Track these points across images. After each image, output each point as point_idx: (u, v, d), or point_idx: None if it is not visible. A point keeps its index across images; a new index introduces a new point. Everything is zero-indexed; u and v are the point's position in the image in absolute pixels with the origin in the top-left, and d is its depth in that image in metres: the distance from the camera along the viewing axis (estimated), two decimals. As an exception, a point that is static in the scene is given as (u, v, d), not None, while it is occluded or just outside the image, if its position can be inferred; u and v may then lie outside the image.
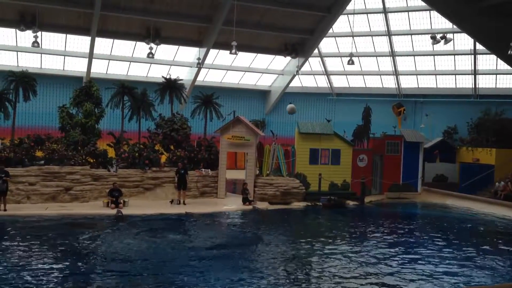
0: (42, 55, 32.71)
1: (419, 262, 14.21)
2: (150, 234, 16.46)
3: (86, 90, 23.85)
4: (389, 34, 34.39)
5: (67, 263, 12.74)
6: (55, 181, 20.53)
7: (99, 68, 33.94)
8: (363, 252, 15.14)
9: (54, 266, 12.48)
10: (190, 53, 34.42)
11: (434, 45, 30.95)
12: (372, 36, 35.20)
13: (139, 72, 35.27)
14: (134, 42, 32.43)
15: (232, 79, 38.19)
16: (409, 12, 33.06)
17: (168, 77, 26.58)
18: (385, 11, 33.43)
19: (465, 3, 23.96)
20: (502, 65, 31.23)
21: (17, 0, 27.51)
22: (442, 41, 29.22)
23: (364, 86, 38.57)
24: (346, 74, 38.38)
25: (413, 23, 33.45)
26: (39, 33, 28.93)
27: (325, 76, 38.67)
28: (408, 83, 36.93)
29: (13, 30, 30.26)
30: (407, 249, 15.74)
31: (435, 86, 36.16)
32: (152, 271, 12.29)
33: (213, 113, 26.25)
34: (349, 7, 31.74)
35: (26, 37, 30.25)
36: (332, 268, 13.23)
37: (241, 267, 13.01)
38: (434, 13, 31.19)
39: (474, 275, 13.05)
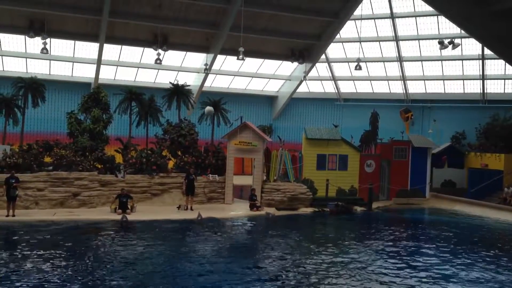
0: (51, 61, 32.94)
1: (433, 271, 14.13)
2: (154, 240, 16.40)
3: (94, 96, 23.99)
4: (396, 39, 34.33)
5: (71, 270, 12.71)
6: (63, 187, 20.65)
7: (107, 74, 34.11)
8: (376, 261, 15.06)
9: (58, 272, 12.52)
10: (197, 59, 34.53)
11: (442, 50, 30.85)
12: (379, 41, 35.14)
13: (146, 78, 35.43)
14: (142, 48, 32.60)
15: (239, 85, 38.26)
16: (417, 18, 33.00)
17: (175, 83, 26.66)
18: (392, 16, 33.38)
19: (474, 8, 23.84)
20: (511, 70, 31.07)
21: (27, 7, 27.76)
22: (450, 46, 29.11)
23: (372, 92, 38.49)
24: (353, 80, 38.32)
25: (421, 28, 33.39)
26: (48, 40, 29.19)
27: (332, 81, 38.64)
28: (415, 88, 36.81)
29: (22, 36, 30.51)
30: (419, 257, 15.62)
31: (443, 91, 36.01)
32: (159, 280, 12.27)
33: (220, 119, 26.29)
34: (357, 12, 31.74)
35: (35, 43, 30.55)
36: (346, 276, 13.18)
37: (249, 273, 12.99)
38: (442, 18, 31.11)
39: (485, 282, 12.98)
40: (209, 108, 25.07)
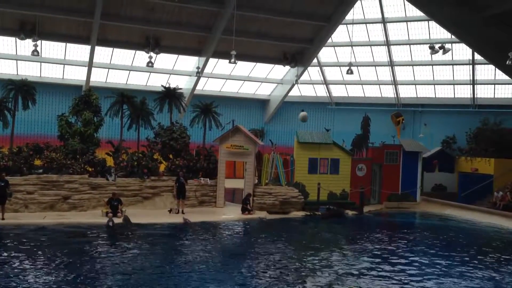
0: (42, 63, 32.72)
1: (423, 276, 14.16)
2: (139, 244, 16.25)
3: (85, 99, 23.89)
4: (387, 44, 34.49)
5: (54, 274, 12.58)
6: (54, 190, 20.50)
7: (99, 77, 33.96)
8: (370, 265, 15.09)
9: (47, 277, 12.40)
10: (189, 62, 34.48)
11: (433, 55, 31.05)
12: (371, 45, 35.29)
13: (138, 81, 35.31)
14: (134, 51, 32.51)
15: (231, 88, 38.24)
16: (408, 22, 33.13)
17: (167, 86, 26.59)
18: (384, 21, 33.53)
19: (464, 13, 24.03)
20: (501, 75, 31.31)
21: (17, 9, 27.58)
22: (441, 51, 29.30)
23: (363, 96, 38.63)
24: (345, 84, 38.44)
25: (412, 33, 33.55)
26: (39, 42, 28.99)
27: (324, 85, 38.75)
28: (406, 92, 36.97)
29: (13, 38, 30.30)
30: (408, 262, 15.67)
31: (434, 96, 36.21)
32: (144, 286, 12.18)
33: (212, 122, 26.25)
34: (348, 17, 31.81)
35: (26, 45, 30.30)
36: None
37: (235, 277, 12.96)
38: (433, 23, 31.30)
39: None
40: (303, 114, 25.69)
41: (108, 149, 24.54)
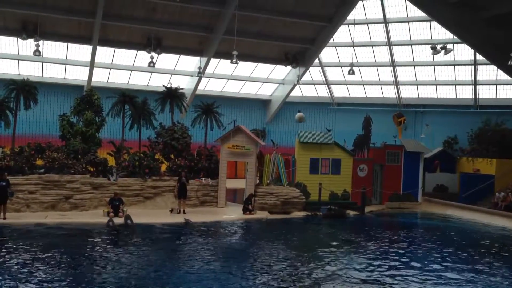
0: (44, 63, 32.79)
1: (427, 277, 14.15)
2: (138, 244, 16.22)
3: (87, 99, 23.94)
4: (389, 44, 34.47)
5: (60, 275, 12.57)
6: (55, 190, 20.51)
7: (100, 77, 34.02)
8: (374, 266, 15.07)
9: (48, 277, 12.39)
10: (191, 62, 34.52)
11: (434, 55, 31.02)
12: (372, 46, 35.28)
13: (140, 81, 35.35)
14: (135, 51, 32.55)
15: (233, 88, 38.27)
16: (410, 23, 33.11)
17: (169, 86, 26.61)
18: (385, 21, 33.51)
19: (465, 14, 24.06)
20: (502, 76, 31.28)
21: (19, 9, 27.66)
22: (442, 51, 29.27)
23: (365, 96, 38.61)
24: (346, 84, 38.43)
25: (414, 33, 33.52)
26: (40, 42, 29.06)
27: (326, 85, 38.74)
28: (408, 93, 36.95)
29: (15, 38, 30.37)
30: (411, 262, 15.65)
31: (436, 96, 36.18)
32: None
33: (213, 122, 26.26)
34: (350, 17, 31.85)
35: (27, 45, 30.38)
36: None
37: (236, 279, 12.95)
38: (434, 24, 31.30)
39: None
40: (299, 114, 25.76)
41: (110, 149, 24.58)
